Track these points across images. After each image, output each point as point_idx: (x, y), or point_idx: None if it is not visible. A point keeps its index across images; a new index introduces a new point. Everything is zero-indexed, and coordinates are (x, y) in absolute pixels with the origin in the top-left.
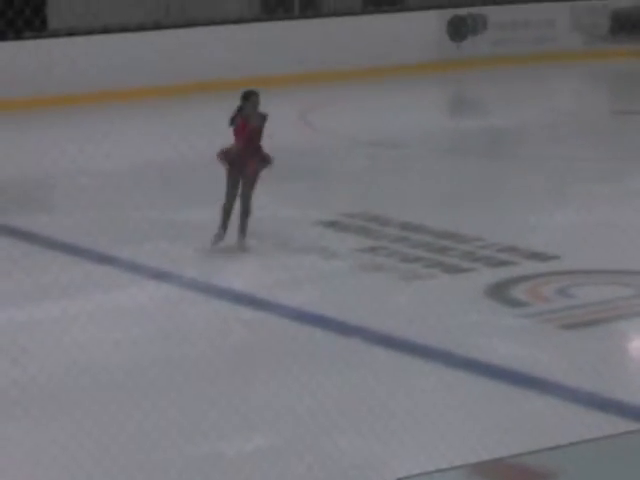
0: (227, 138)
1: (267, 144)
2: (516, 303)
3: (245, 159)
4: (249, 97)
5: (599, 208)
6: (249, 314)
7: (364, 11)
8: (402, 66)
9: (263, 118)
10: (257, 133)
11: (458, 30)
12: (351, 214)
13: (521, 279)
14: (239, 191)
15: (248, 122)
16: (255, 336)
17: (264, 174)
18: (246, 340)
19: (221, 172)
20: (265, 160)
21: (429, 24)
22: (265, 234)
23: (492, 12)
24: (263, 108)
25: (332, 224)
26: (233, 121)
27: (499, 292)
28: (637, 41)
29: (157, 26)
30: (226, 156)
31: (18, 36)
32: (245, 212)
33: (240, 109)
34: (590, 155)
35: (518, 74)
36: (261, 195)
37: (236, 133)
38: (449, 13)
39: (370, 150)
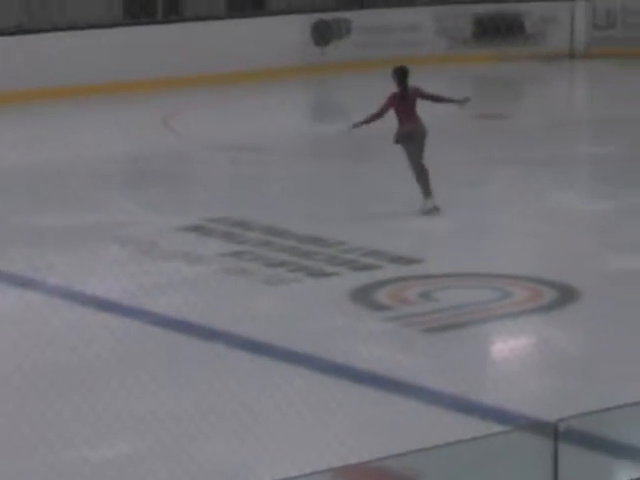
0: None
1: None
2: (380, 307)
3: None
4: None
5: (462, 212)
6: (113, 321)
7: (228, 15)
8: (266, 70)
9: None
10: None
11: (322, 34)
12: (214, 219)
13: (385, 283)
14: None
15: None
16: (119, 342)
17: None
18: (110, 346)
19: (82, 180)
20: None
21: (293, 28)
22: (128, 240)
23: (356, 16)
24: (126, 114)
25: (195, 229)
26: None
27: (363, 296)
28: (499, 45)
29: (19, 30)
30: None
31: None
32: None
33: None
34: (454, 159)
35: (382, 78)
36: (124, 201)
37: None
38: (313, 17)
39: (233, 155)
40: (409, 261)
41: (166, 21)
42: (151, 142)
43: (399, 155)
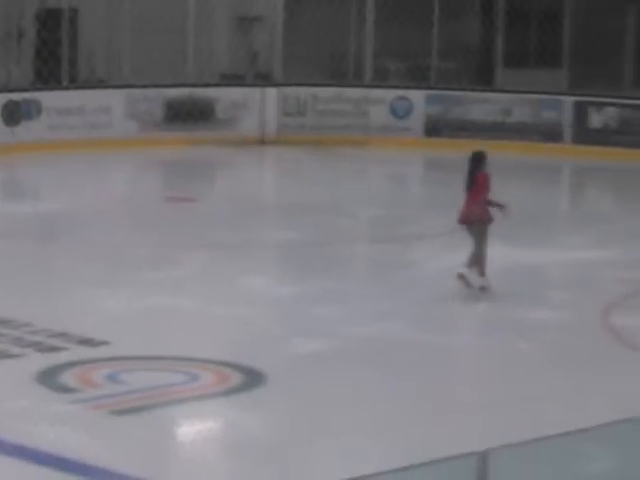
0: None
1: None
2: (66, 389)
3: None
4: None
5: (150, 294)
6: None
7: None
8: None
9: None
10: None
11: (12, 115)
12: None
13: (71, 365)
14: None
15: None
16: None
17: None
18: None
19: None
20: None
21: None
22: None
23: (46, 97)
24: None
25: None
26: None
27: (49, 378)
28: (189, 129)
29: None
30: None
31: None
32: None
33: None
34: (142, 241)
35: (73, 160)
36: None
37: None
38: (3, 98)
39: None
40: (96, 343)
41: None
42: None
43: (88, 236)
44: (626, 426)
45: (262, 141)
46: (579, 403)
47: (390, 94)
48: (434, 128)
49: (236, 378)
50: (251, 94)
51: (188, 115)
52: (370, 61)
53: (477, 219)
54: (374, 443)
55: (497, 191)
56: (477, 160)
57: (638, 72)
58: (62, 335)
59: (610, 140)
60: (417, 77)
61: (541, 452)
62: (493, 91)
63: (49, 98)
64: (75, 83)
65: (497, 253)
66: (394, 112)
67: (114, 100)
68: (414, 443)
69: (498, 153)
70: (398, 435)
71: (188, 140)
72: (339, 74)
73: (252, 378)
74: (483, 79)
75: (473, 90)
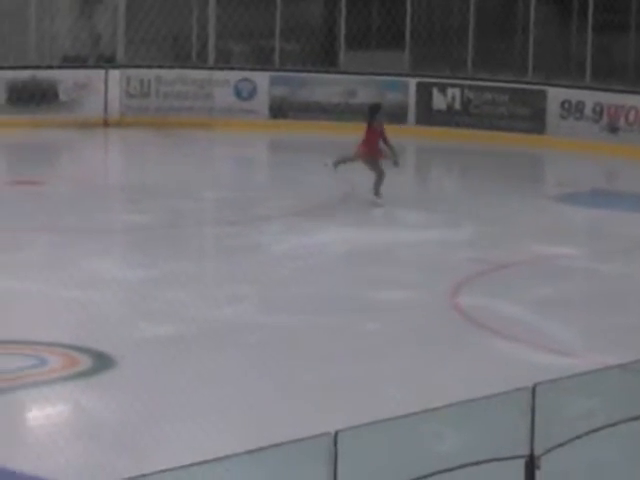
0: None
1: None
2: None
3: None
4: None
5: None
6: None
7: None
8: None
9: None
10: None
11: None
12: None
13: None
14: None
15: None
16: None
17: None
18: None
19: None
20: None
21: None
22: None
23: None
24: None
25: None
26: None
27: None
28: (32, 112)
29: None
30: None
31: None
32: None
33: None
34: None
35: None
36: None
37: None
38: None
39: None
40: None
41: None
42: None
43: None
44: (474, 405)
45: (106, 123)
46: (427, 382)
47: (234, 76)
48: (279, 110)
49: (85, 362)
50: (94, 76)
51: (31, 97)
52: (213, 42)
53: (370, 156)
54: (225, 425)
55: (342, 170)
56: (372, 110)
57: (480, 54)
58: None
59: (453, 121)
60: (261, 59)
61: (389, 433)
62: (337, 73)
63: None
64: None
65: (342, 235)
66: (238, 94)
67: None
68: (264, 424)
69: (343, 134)
70: (248, 417)
71: (31, 123)
72: (183, 56)
73: (101, 362)
74: (327, 61)
75: (317, 72)
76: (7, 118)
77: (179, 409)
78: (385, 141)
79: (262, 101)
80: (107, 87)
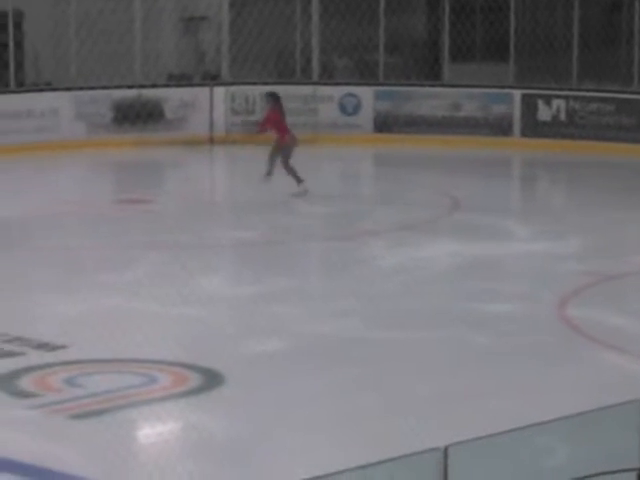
0: None
1: None
2: (24, 394)
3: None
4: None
5: (105, 297)
6: None
7: None
8: None
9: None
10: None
11: None
12: None
13: (29, 370)
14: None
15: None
16: None
17: None
18: None
19: None
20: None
21: None
22: None
23: None
24: None
25: None
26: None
27: (7, 383)
28: (138, 130)
29: None
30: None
31: None
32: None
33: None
34: (95, 244)
35: (22, 164)
36: None
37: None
38: None
39: None
40: (53, 347)
41: None
42: None
43: (40, 241)
44: (584, 418)
45: (211, 140)
46: (536, 395)
47: (338, 91)
48: (383, 124)
49: (194, 379)
50: (199, 94)
51: (137, 116)
52: (317, 58)
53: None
54: (334, 440)
55: (448, 184)
56: (275, 97)
57: (585, 64)
58: (18, 340)
59: (559, 132)
60: (365, 73)
61: (500, 447)
62: (442, 86)
63: None
64: (22, 87)
65: (449, 248)
66: (343, 109)
67: (62, 103)
68: (373, 439)
69: (448, 148)
70: (357, 432)
71: (137, 141)
72: (287, 72)
73: (210, 379)
74: (431, 74)
75: (422, 85)
76: (113, 137)
77: (289, 425)
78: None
79: (366, 116)
80: (212, 104)
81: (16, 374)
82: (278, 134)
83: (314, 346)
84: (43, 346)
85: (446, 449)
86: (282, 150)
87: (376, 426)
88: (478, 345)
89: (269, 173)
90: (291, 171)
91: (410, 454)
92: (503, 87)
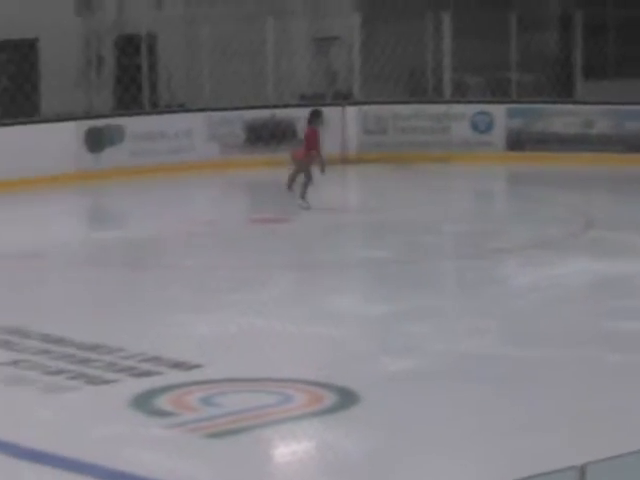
0: None
1: None
2: (161, 413)
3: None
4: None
5: (240, 316)
6: None
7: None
8: (40, 178)
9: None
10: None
11: (96, 141)
12: None
13: (165, 389)
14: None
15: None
16: None
17: None
18: None
19: None
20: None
21: (66, 135)
22: None
23: (129, 123)
24: None
25: None
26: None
27: (144, 402)
28: (272, 151)
29: None
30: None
31: None
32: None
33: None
34: (229, 264)
35: (156, 184)
36: None
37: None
38: (86, 124)
39: (9, 262)
40: (189, 367)
41: None
42: None
43: (176, 261)
44: None
45: (344, 160)
46: None
47: (470, 109)
48: (516, 142)
49: (329, 398)
50: (331, 113)
51: (270, 136)
52: (449, 76)
53: (307, 159)
54: (470, 459)
55: (582, 201)
56: (314, 116)
57: None
58: (155, 359)
59: None
60: (497, 91)
61: (637, 465)
62: (574, 103)
63: (132, 124)
64: (156, 108)
65: (581, 266)
66: (475, 127)
67: (195, 123)
68: (510, 457)
69: (581, 165)
70: (493, 450)
71: (270, 161)
72: (418, 90)
73: (345, 397)
74: (564, 91)
75: (554, 102)
76: (247, 158)
77: (424, 443)
78: (317, 148)
79: (499, 133)
80: (344, 124)
81: (153, 393)
82: (308, 151)
83: (449, 364)
84: (179, 365)
85: (583, 468)
86: (302, 164)
87: (512, 444)
88: (613, 363)
89: (290, 188)
90: (295, 186)
91: (547, 472)
92: (636, 104)
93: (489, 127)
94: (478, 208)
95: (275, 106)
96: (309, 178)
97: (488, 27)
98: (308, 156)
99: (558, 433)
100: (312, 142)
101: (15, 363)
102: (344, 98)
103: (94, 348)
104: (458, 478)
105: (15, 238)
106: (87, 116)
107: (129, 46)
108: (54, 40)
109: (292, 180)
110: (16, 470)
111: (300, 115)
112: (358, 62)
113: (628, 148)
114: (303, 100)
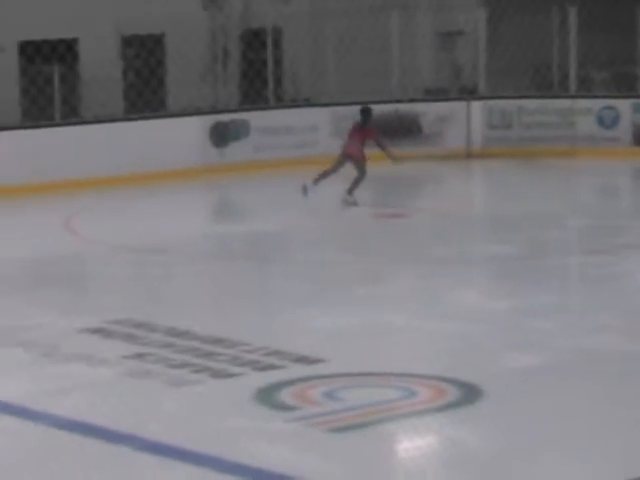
0: None
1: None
2: (284, 407)
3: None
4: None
5: (363, 311)
6: (15, 424)
7: (126, 117)
8: (165, 172)
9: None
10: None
11: (221, 136)
12: (117, 320)
13: (288, 383)
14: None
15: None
16: (22, 446)
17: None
18: (13, 450)
19: None
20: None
21: (192, 130)
22: (31, 343)
23: (254, 117)
24: (26, 217)
25: (98, 331)
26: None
27: (267, 396)
28: (396, 145)
29: None
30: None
31: None
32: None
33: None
34: (352, 258)
35: (281, 179)
36: (25, 304)
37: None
38: (211, 119)
39: (135, 256)
40: (312, 361)
41: (65, 124)
42: (53, 245)
43: (299, 255)
44: None
45: (468, 155)
46: None
47: (596, 104)
48: None
49: (453, 393)
50: (456, 108)
51: (395, 131)
52: (575, 71)
53: (361, 156)
54: (592, 456)
55: None
56: (365, 113)
57: None
58: (278, 353)
59: None
60: (623, 86)
61: None
62: None
63: (257, 118)
64: (281, 103)
65: None
66: (601, 122)
67: (320, 118)
68: (633, 455)
69: None
70: (616, 447)
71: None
72: (544, 85)
73: (469, 393)
74: None
75: None
76: (370, 152)
77: (547, 440)
78: (380, 144)
79: (625, 129)
80: (469, 119)
81: (276, 387)
82: (352, 145)
83: (573, 361)
84: (302, 359)
85: None
86: (358, 161)
87: (637, 441)
88: None
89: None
90: (321, 178)
91: None
92: None
93: (615, 122)
94: (603, 203)
95: (399, 100)
96: (363, 174)
97: (614, 21)
98: (362, 152)
99: None
100: (378, 141)
101: (140, 356)
102: (469, 93)
103: (218, 342)
104: (581, 475)
105: (140, 232)
106: (213, 111)
107: (255, 41)
108: (181, 35)
109: (323, 176)
110: (140, 463)
111: (425, 110)
112: (483, 57)
113: None
114: (428, 94)
